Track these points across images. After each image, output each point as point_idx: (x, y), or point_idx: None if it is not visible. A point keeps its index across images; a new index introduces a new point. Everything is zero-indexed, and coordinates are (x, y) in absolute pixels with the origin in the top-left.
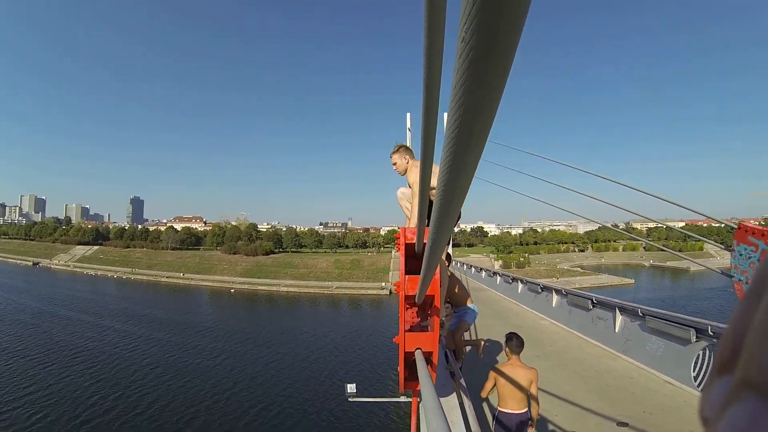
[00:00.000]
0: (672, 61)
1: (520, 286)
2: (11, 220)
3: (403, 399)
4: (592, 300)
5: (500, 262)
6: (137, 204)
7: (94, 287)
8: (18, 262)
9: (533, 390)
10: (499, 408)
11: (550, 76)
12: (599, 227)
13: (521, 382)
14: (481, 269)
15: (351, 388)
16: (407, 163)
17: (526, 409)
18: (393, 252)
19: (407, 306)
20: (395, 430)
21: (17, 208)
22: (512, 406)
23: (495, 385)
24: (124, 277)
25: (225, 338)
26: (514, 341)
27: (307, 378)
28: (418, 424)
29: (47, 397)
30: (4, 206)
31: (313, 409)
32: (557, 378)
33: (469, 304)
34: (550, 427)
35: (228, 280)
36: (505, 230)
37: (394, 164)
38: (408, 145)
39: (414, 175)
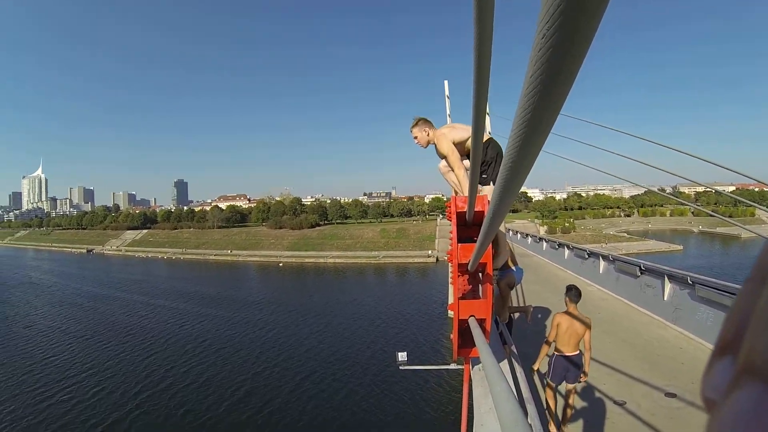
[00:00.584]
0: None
1: (567, 251)
2: (63, 211)
3: (453, 366)
4: (640, 267)
5: (545, 227)
6: (181, 186)
7: (146, 269)
8: (73, 250)
9: (587, 337)
10: (555, 351)
11: (597, 37)
12: (645, 191)
13: (578, 329)
14: (527, 235)
15: (402, 356)
16: (428, 135)
17: (579, 351)
18: (438, 219)
19: (459, 274)
20: (447, 396)
21: (68, 200)
22: (568, 349)
23: (557, 328)
24: (174, 257)
25: (274, 311)
26: (573, 291)
27: (357, 347)
28: (470, 390)
29: (106, 372)
30: (55, 199)
31: (366, 377)
32: (605, 345)
33: (512, 266)
34: (597, 394)
35: (275, 254)
36: (549, 195)
37: (415, 137)
38: (448, 112)
39: (446, 145)
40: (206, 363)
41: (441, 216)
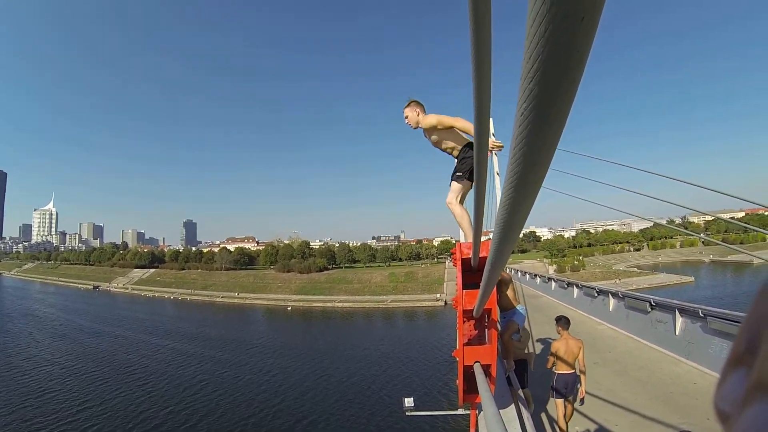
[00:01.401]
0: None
1: (576, 290)
2: (72, 246)
3: (461, 411)
4: (650, 302)
5: (554, 266)
6: (190, 227)
7: (151, 308)
8: (79, 286)
9: (581, 356)
10: (556, 371)
11: (598, 74)
12: (654, 224)
13: (573, 349)
14: (535, 275)
15: (408, 401)
16: (418, 115)
17: (574, 370)
18: (447, 263)
19: (465, 319)
20: None
21: (77, 235)
22: (565, 368)
23: (556, 354)
24: (180, 298)
25: (279, 354)
26: (563, 320)
27: (364, 392)
28: None
29: (102, 411)
30: (64, 234)
31: (371, 423)
32: (616, 386)
33: (517, 306)
34: None
35: (282, 297)
36: (557, 234)
37: (406, 117)
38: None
39: (432, 117)
40: (206, 406)
41: (449, 259)
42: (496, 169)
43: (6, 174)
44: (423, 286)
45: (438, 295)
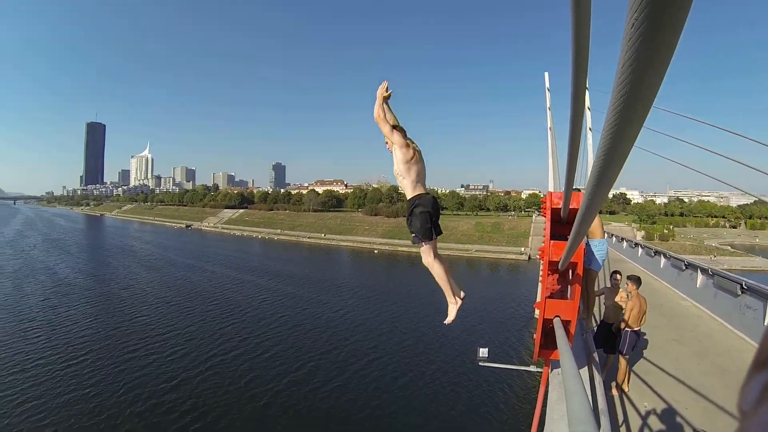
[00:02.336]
0: None
1: (663, 260)
2: (166, 189)
3: (532, 368)
4: (741, 285)
5: (642, 232)
6: (279, 170)
7: (239, 246)
8: (173, 225)
9: (646, 316)
10: (627, 328)
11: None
12: (755, 201)
13: (643, 308)
14: (622, 239)
15: (483, 352)
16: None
17: (639, 328)
18: (534, 217)
19: (549, 272)
20: (522, 397)
21: (171, 179)
22: (636, 325)
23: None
24: (268, 237)
25: (360, 296)
26: (636, 279)
27: (439, 338)
28: (546, 394)
29: (185, 334)
30: (159, 177)
31: (445, 368)
32: (693, 368)
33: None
34: (678, 419)
35: (368, 240)
36: (649, 198)
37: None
38: (548, 105)
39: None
40: (283, 341)
41: (536, 213)
42: (589, 124)
43: (104, 126)
44: (508, 238)
45: (522, 249)
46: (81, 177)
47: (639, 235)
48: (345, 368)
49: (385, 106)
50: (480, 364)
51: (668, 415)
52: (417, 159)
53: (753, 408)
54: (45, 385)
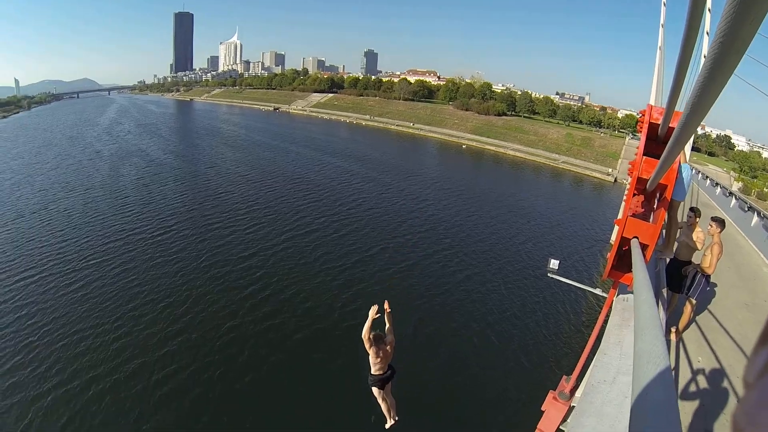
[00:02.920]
0: None
1: (755, 218)
2: (255, 73)
3: (598, 291)
4: None
5: (740, 184)
6: (371, 57)
7: (326, 129)
8: (261, 108)
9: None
10: (703, 274)
11: None
12: None
13: (720, 253)
14: (716, 183)
15: (554, 263)
16: None
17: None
18: (627, 139)
19: (636, 192)
20: (583, 317)
21: (260, 63)
22: (711, 271)
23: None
24: (356, 122)
25: (439, 187)
26: (720, 222)
27: (510, 239)
28: (606, 317)
29: (265, 211)
30: (248, 63)
31: (512, 271)
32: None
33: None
34: (726, 385)
35: (456, 135)
36: (755, 149)
37: None
38: (661, 22)
39: None
40: (355, 219)
41: (630, 136)
42: (707, 27)
43: (192, 15)
44: (597, 156)
45: (610, 170)
46: (171, 65)
47: (735, 186)
48: (412, 255)
49: (369, 324)
50: (549, 275)
51: (717, 379)
52: (376, 353)
53: (755, 380)
54: (136, 252)
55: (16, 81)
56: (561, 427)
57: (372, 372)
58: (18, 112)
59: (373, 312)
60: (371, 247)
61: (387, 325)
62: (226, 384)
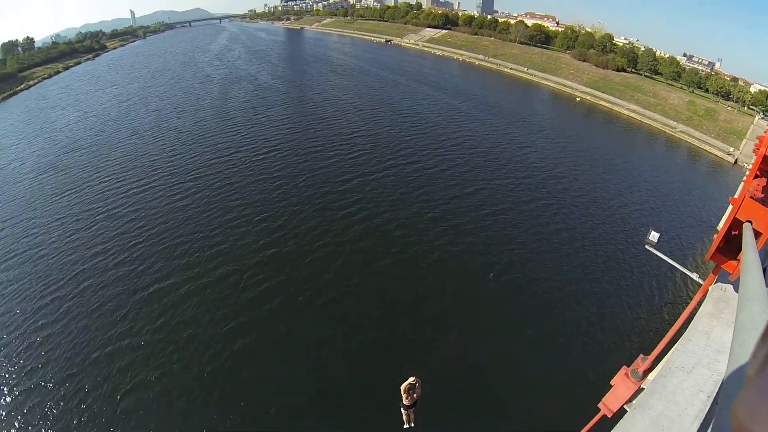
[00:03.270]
0: None
1: None
2: (367, 4)
3: (694, 276)
4: None
5: None
6: None
7: (438, 65)
8: (372, 39)
9: None
10: None
11: None
12: None
13: None
14: None
15: (654, 236)
16: None
17: None
18: (756, 118)
19: (760, 172)
20: (672, 299)
21: None
22: None
23: None
24: (468, 61)
25: (546, 136)
26: None
27: (613, 204)
28: (698, 304)
29: (371, 138)
30: None
31: (605, 236)
32: None
33: None
34: None
35: (570, 85)
36: None
37: None
38: None
39: None
40: (458, 157)
41: (761, 115)
42: None
43: None
44: (720, 131)
45: (731, 150)
46: None
47: None
48: (507, 200)
49: (405, 385)
50: (646, 247)
51: None
52: (407, 397)
53: (756, 373)
54: (239, 169)
55: (132, 12)
56: (624, 407)
57: (403, 401)
58: (134, 41)
59: (408, 382)
60: (469, 186)
61: (418, 386)
62: (306, 298)
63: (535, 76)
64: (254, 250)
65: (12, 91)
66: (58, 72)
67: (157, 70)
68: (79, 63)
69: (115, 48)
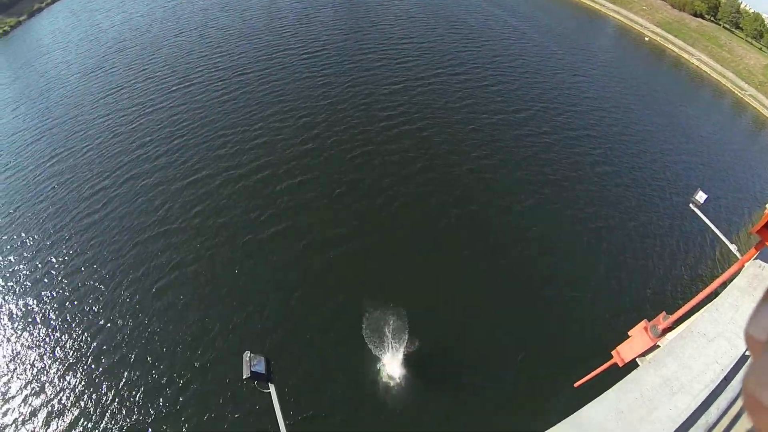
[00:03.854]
0: None
1: None
2: None
3: (733, 248)
4: None
5: None
6: None
7: None
8: None
9: None
10: None
11: None
12: None
13: None
14: None
15: (701, 196)
16: None
17: None
18: None
19: None
20: (705, 265)
21: None
22: None
23: None
24: None
25: (606, 74)
26: None
27: (663, 155)
28: (732, 277)
29: (420, 48)
30: None
31: (650, 187)
32: None
33: None
34: None
35: (641, 23)
36: None
37: None
38: None
39: None
40: (511, 77)
41: None
42: None
43: None
44: None
45: None
46: None
47: None
48: (555, 130)
49: None
50: (691, 206)
51: None
52: None
53: (765, 336)
54: (285, 68)
55: None
56: (637, 360)
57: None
58: None
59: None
60: (518, 109)
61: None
62: (340, 202)
63: (603, 6)
64: (295, 151)
65: None
66: None
67: None
68: None
69: None
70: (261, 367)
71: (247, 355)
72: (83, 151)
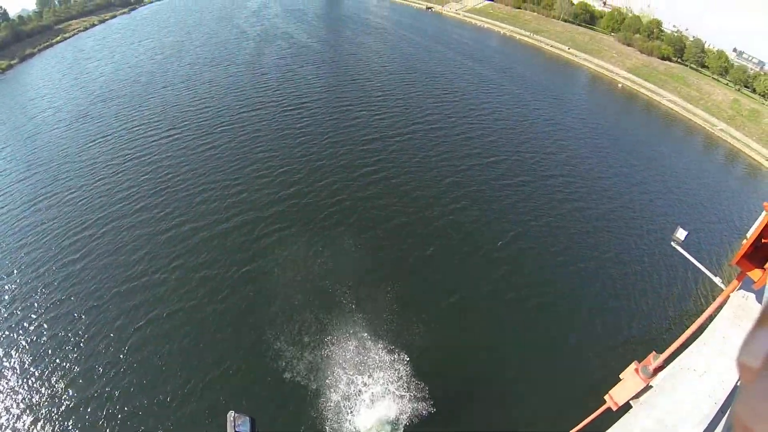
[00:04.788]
0: None
1: None
2: None
3: (717, 280)
4: None
5: None
6: None
7: (477, 37)
8: (413, 5)
9: None
10: None
11: None
12: None
13: None
14: None
15: (681, 233)
16: None
17: None
18: None
19: None
20: (691, 301)
21: None
22: None
23: None
24: (509, 35)
25: (579, 117)
26: None
27: (638, 192)
28: (718, 309)
29: (397, 102)
30: None
31: (628, 225)
32: None
33: None
34: None
35: (612, 69)
36: None
37: None
38: None
39: None
40: (485, 127)
41: None
42: None
43: None
44: (762, 134)
45: None
46: None
47: None
48: (529, 174)
49: None
50: (672, 244)
51: None
52: None
53: (760, 363)
54: (266, 122)
55: None
56: (630, 402)
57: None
58: None
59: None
60: (492, 156)
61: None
62: (318, 249)
63: (576, 56)
64: (273, 200)
65: (48, 43)
66: (93, 25)
67: (192, 25)
68: (114, 16)
69: (151, 2)
70: (246, 428)
71: (231, 414)
72: (66, 199)
